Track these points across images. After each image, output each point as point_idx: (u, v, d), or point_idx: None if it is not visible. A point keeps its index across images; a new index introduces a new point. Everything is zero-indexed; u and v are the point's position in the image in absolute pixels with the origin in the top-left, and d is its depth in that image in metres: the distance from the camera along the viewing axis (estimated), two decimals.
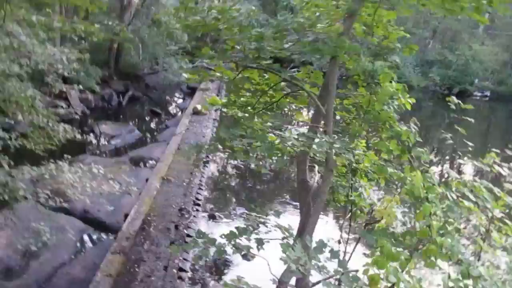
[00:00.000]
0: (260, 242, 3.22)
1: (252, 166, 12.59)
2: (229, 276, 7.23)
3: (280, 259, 2.51)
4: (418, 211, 2.86)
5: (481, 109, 31.97)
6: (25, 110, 6.37)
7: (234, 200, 10.99)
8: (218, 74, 4.33)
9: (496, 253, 2.96)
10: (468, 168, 15.62)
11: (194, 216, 8.49)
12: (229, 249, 3.40)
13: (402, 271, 2.67)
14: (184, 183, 9.89)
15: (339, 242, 4.11)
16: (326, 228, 8.56)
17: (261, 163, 3.06)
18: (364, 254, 4.55)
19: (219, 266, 7.42)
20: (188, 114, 16.35)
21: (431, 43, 35.86)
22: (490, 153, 3.31)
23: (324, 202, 3.34)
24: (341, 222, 8.58)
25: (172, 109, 23.56)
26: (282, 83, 4.12)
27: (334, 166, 3.23)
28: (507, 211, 2.97)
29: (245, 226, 3.43)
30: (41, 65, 7.32)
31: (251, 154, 3.24)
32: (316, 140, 2.87)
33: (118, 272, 6.40)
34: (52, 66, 7.55)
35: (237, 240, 3.24)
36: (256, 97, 4.36)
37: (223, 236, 3.60)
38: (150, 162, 13.42)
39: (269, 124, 3.26)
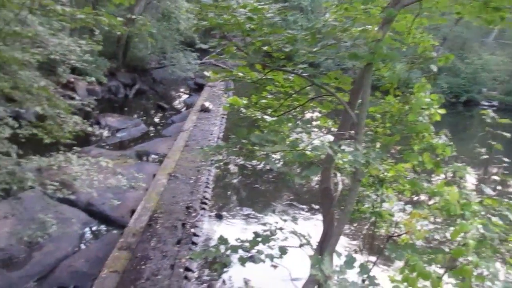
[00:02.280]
0: (283, 251, 3.12)
1: (260, 166, 12.52)
2: (235, 277, 7.15)
3: (311, 274, 2.42)
4: (453, 228, 2.76)
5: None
6: (41, 101, 6.26)
7: (240, 199, 10.89)
8: (240, 74, 4.23)
9: None
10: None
11: (201, 215, 8.40)
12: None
13: None
14: (191, 181, 9.79)
15: (355, 252, 4.00)
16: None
17: (294, 171, 2.92)
18: (380, 265, 4.41)
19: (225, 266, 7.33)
20: (195, 110, 16.26)
21: (441, 50, 35.70)
22: None
23: (350, 213, 3.25)
24: (355, 231, 8.44)
25: (177, 104, 23.46)
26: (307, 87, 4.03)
27: (363, 177, 3.14)
28: None
29: (267, 233, 3.34)
30: (54, 55, 7.23)
31: (274, 159, 3.15)
32: (348, 149, 2.77)
33: (124, 268, 6.31)
34: (65, 56, 7.47)
35: (260, 248, 3.14)
36: (278, 99, 4.27)
37: (238, 240, 3.51)
38: (155, 157, 13.37)
39: (299, 129, 3.16)
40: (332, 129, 4.34)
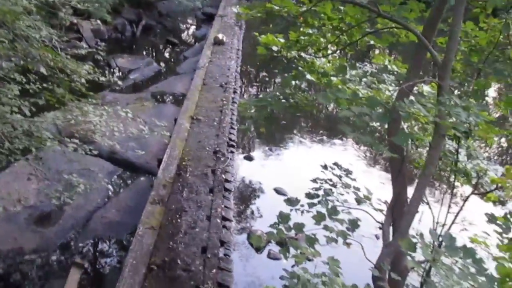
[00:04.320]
0: (354, 225, 2.66)
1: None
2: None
3: (385, 247, 1.96)
4: None
5: None
6: (43, 57, 5.66)
7: (269, 138, 10.41)
8: (276, 7, 3.50)
9: None
10: None
11: (230, 159, 8.00)
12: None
13: None
14: (215, 123, 9.29)
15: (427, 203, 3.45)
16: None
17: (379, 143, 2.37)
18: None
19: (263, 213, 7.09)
20: (209, 44, 15.24)
21: None
22: None
23: (432, 174, 2.74)
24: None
25: (187, 37, 22.28)
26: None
27: (447, 131, 2.56)
28: None
29: (319, 192, 2.89)
30: None
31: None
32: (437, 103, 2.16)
33: (160, 224, 6.07)
34: None
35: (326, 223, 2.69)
36: (324, 36, 3.56)
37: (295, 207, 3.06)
38: (172, 98, 12.81)
39: (370, 78, 2.53)
40: (391, 67, 3.66)
